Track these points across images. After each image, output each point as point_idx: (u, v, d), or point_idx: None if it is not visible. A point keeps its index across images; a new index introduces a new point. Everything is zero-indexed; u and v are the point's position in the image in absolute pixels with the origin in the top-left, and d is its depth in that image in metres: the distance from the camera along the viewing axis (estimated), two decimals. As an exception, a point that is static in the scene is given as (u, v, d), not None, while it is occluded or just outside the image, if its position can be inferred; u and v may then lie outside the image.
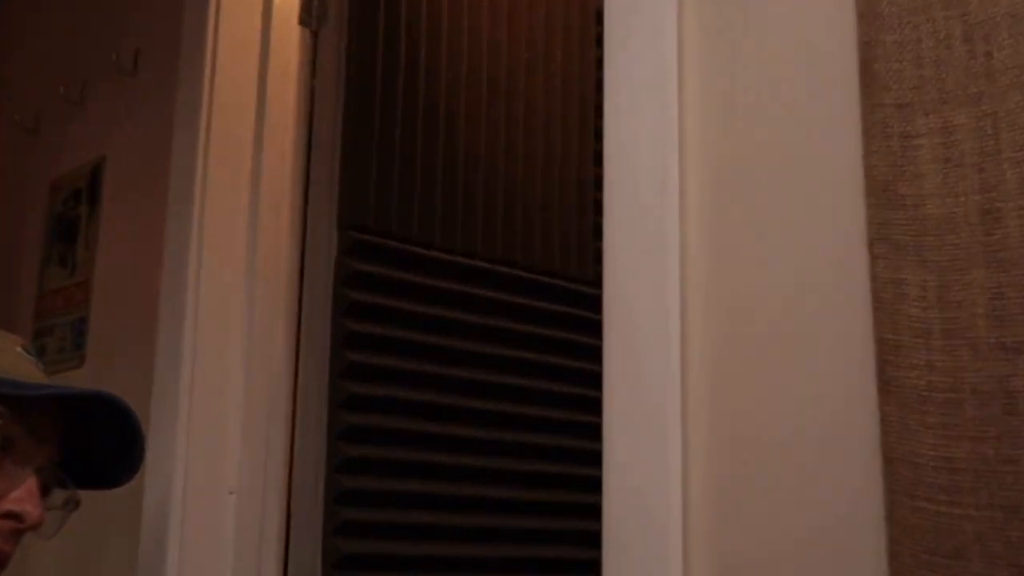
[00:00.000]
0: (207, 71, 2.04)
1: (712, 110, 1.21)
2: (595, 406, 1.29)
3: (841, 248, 1.09)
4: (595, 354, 1.34)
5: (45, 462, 1.26)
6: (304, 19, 2.15)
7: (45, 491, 1.26)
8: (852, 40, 1.10)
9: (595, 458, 1.31)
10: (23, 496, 1.20)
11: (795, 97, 1.14)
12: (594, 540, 1.21)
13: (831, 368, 1.08)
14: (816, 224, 1.11)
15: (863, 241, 1.06)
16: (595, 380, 1.34)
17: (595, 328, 1.40)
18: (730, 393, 1.14)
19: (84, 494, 1.33)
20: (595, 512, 1.21)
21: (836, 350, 1.08)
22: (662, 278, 1.20)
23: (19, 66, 2.63)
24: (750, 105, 1.18)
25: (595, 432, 1.30)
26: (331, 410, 2.09)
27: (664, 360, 1.17)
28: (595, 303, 2.32)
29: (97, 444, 1.30)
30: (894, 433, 0.97)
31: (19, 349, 1.29)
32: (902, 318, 0.98)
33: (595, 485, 1.25)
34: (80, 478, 1.31)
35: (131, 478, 1.34)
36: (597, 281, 2.37)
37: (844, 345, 1.07)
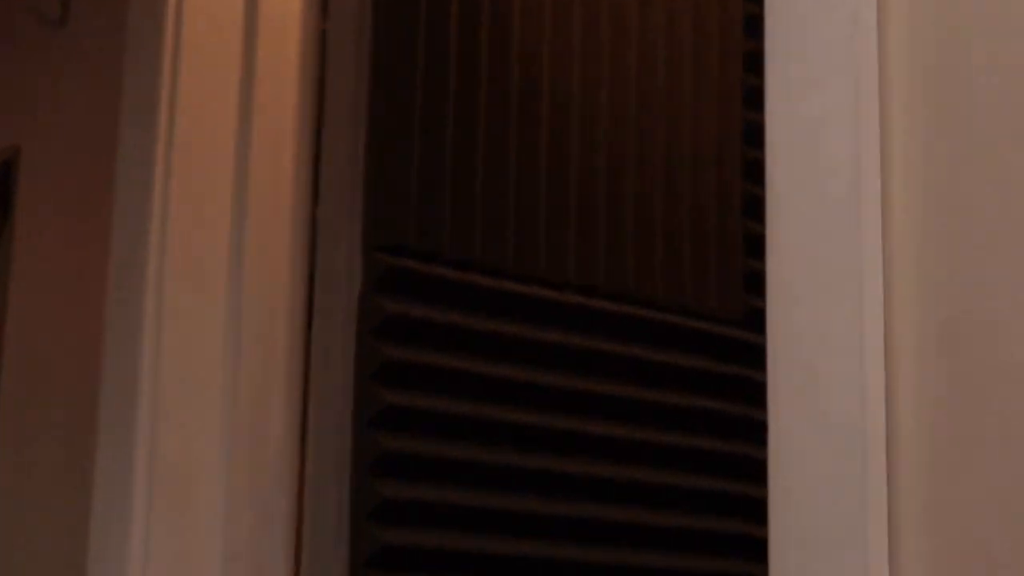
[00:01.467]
0: (168, 19, 2.05)
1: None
2: (753, 508, 1.37)
3: None
4: (754, 430, 1.41)
5: None
6: (310, -63, 2.15)
7: None
8: None
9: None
10: None
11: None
12: None
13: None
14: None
15: None
16: (755, 467, 1.35)
17: (752, 391, 1.40)
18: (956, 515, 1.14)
19: None
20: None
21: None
22: (858, 320, 1.20)
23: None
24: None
25: (760, 551, 1.27)
26: (355, 523, 2.06)
27: (860, 454, 1.17)
28: (750, 353, 2.46)
29: None
30: None
31: None
32: None
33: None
34: None
35: None
36: (753, 320, 2.47)
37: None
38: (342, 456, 2.08)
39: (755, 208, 2.42)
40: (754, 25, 2.56)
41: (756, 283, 2.39)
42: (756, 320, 2.21)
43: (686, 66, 2.54)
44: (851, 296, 1.21)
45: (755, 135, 2.40)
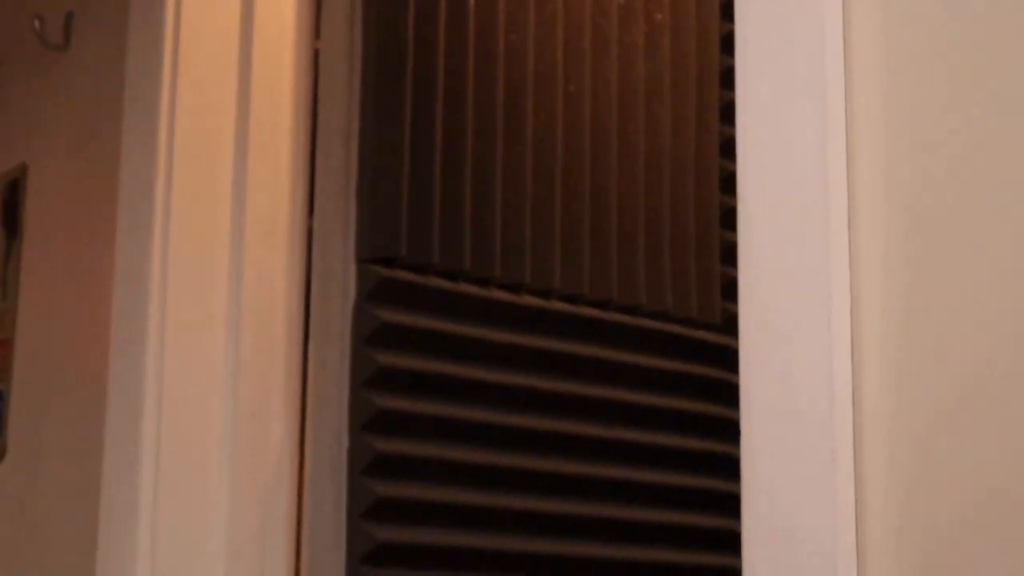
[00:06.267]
0: (167, 42, 2.09)
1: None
2: (727, 502, 1.25)
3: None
4: (732, 430, 1.34)
5: None
6: (301, -36, 2.17)
7: None
8: None
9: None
10: None
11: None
12: None
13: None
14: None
15: None
16: (733, 464, 1.34)
17: (731, 392, 1.49)
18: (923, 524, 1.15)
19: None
20: None
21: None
22: (826, 332, 1.21)
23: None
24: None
25: (733, 541, 1.29)
26: (351, 522, 2.09)
27: (830, 450, 1.18)
28: (728, 356, 2.47)
29: None
30: None
31: None
32: None
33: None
34: None
35: None
36: (729, 326, 2.51)
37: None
38: (339, 459, 2.11)
39: (733, 219, 2.41)
40: (731, 43, 2.56)
41: (734, 290, 2.29)
42: (734, 325, 2.11)
43: (665, 83, 2.55)
44: (820, 302, 1.21)
45: (732, 149, 2.35)
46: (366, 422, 2.11)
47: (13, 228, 2.34)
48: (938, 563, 1.14)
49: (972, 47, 1.18)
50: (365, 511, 2.09)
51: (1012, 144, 1.14)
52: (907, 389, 1.18)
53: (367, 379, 2.13)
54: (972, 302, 1.15)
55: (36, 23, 2.29)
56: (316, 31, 2.21)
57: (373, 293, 2.15)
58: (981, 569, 1.11)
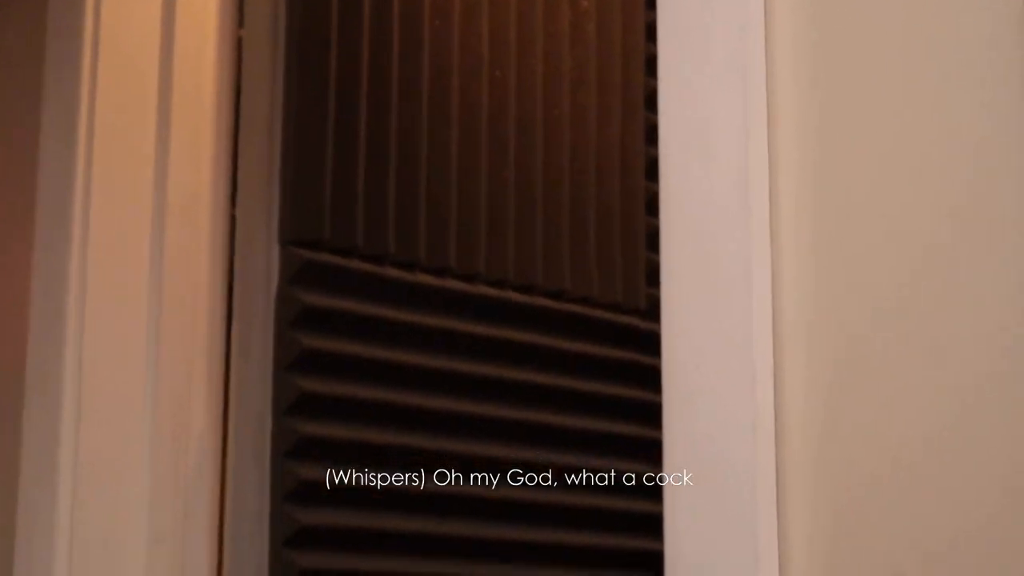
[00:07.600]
0: (87, 29, 2.08)
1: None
2: (651, 486, 1.26)
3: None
4: (654, 415, 1.33)
5: None
6: (223, -57, 2.17)
7: None
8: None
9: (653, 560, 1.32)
10: None
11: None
12: None
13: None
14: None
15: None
16: (654, 449, 1.34)
17: (652, 377, 1.45)
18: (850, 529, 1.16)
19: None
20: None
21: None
22: (747, 321, 1.22)
23: None
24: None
25: (654, 525, 1.29)
26: (274, 505, 2.09)
27: (751, 431, 1.19)
28: (651, 342, 2.29)
29: None
30: None
31: None
32: None
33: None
34: None
35: None
36: (654, 312, 2.41)
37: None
38: (261, 442, 2.11)
39: (659, 206, 2.40)
40: (656, 31, 2.55)
41: (659, 276, 2.29)
42: (658, 311, 2.11)
43: (591, 70, 2.55)
44: (741, 286, 1.23)
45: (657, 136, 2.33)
46: (289, 405, 2.10)
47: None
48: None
49: (895, 32, 1.19)
50: (288, 494, 2.08)
51: (934, 128, 1.15)
52: (828, 378, 1.19)
53: (291, 362, 2.12)
54: (892, 283, 1.16)
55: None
56: (239, 18, 2.21)
57: (296, 276, 2.14)
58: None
